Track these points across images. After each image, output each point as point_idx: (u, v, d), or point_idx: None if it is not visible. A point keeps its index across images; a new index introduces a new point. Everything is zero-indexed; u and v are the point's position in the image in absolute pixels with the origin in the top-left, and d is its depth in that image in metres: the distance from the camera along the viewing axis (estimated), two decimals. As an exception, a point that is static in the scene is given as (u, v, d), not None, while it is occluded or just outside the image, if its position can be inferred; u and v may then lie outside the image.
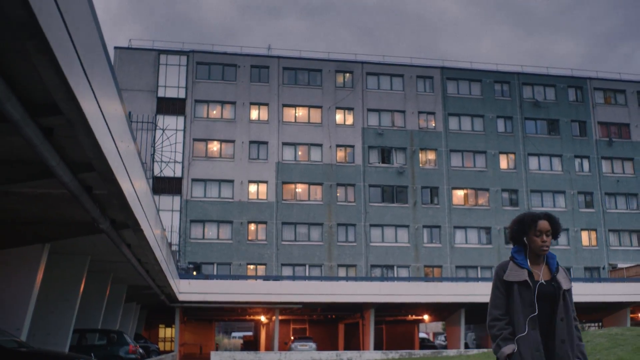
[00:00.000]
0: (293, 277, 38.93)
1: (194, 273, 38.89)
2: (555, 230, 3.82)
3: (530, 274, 3.74)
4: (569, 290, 3.76)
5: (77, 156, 7.93)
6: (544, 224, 3.79)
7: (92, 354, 15.40)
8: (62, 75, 5.32)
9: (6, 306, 12.05)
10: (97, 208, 10.16)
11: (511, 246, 4.01)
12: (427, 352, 35.17)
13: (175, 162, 42.29)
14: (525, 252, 3.84)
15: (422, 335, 51.27)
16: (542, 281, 3.72)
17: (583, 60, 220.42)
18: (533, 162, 46.61)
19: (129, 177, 9.67)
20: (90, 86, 6.27)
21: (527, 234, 3.82)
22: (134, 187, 10.50)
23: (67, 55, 5.31)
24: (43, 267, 12.51)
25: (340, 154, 44.35)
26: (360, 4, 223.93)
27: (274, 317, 34.71)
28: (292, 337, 40.53)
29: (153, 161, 41.87)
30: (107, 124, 7.35)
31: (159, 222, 18.00)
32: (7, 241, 12.12)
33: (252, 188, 42.82)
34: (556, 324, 3.63)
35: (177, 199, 41.74)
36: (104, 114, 7.12)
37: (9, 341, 10.88)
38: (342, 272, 42.22)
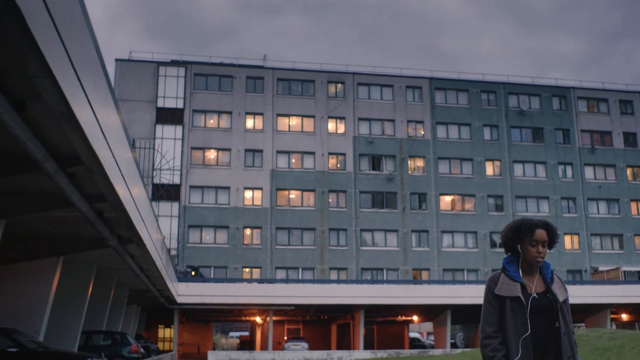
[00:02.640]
0: (287, 280, 40.50)
1: (192, 274, 40.32)
2: (552, 241, 3.53)
3: (524, 287, 3.44)
4: (566, 301, 3.50)
5: (93, 190, 9.69)
6: (541, 234, 3.47)
7: (102, 354, 16.97)
8: (88, 143, 7.09)
9: (26, 311, 13.72)
10: (107, 228, 11.91)
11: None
12: (415, 351, 36.53)
13: (173, 170, 43.84)
14: (517, 262, 3.53)
15: (413, 334, 52.43)
16: (535, 294, 3.42)
17: (583, 59, 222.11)
18: (518, 169, 48.10)
19: (135, 204, 11.41)
20: (109, 146, 8.03)
21: (522, 242, 3.49)
22: (138, 210, 12.23)
23: (92, 130, 7.09)
24: (58, 277, 14.18)
25: (332, 162, 45.90)
26: (361, 3, 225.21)
27: (268, 318, 35.91)
28: (285, 337, 41.91)
29: (153, 170, 43.45)
30: (119, 167, 9.11)
31: (158, 231, 19.66)
32: (27, 255, 13.84)
33: (248, 194, 44.37)
34: (561, 339, 3.37)
35: (175, 205, 43.28)
36: (117, 161, 8.88)
37: (29, 342, 12.53)
38: (333, 275, 43.70)
